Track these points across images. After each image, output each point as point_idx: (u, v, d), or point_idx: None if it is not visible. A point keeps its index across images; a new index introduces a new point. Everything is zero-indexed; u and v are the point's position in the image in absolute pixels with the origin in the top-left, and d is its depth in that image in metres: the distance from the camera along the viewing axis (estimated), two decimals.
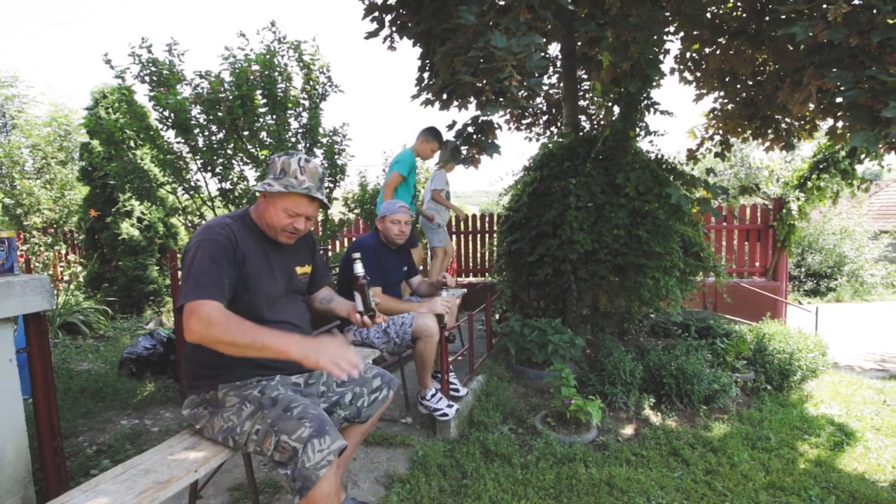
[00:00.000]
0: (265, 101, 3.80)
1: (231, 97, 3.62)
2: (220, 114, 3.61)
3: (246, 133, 3.80)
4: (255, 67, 3.71)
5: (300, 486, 1.44)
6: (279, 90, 3.82)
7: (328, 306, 1.99)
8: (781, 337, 4.38)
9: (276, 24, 3.84)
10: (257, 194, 1.70)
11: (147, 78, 3.62)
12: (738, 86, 4.74)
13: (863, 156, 5.39)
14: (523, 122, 6.29)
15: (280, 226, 1.65)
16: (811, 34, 2.47)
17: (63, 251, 7.58)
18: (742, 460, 2.69)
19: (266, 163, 3.77)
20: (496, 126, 2.88)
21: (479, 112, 2.79)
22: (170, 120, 3.66)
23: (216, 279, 1.48)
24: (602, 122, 5.88)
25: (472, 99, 2.88)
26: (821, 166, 6.38)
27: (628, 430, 3.09)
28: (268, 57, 3.74)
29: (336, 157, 4.25)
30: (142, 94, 3.83)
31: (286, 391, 1.62)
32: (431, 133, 4.19)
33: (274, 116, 3.85)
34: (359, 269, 1.78)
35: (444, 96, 3.51)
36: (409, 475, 2.36)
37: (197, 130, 3.73)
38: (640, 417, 3.27)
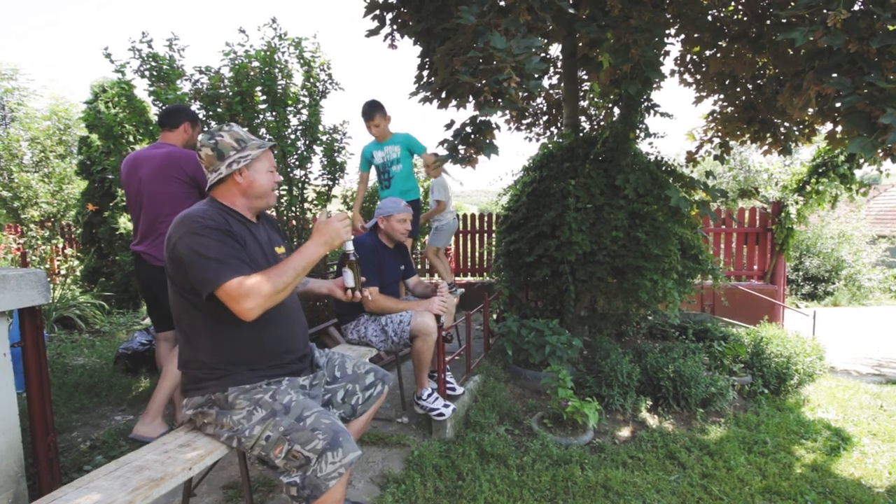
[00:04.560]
0: (265, 97, 3.79)
1: (231, 93, 3.61)
2: (219, 110, 3.60)
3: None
4: (256, 64, 3.70)
5: (308, 495, 1.43)
6: (279, 87, 3.81)
7: (305, 288, 2.03)
8: (779, 341, 4.38)
9: (277, 21, 3.84)
10: (237, 178, 1.65)
11: (147, 73, 3.61)
12: (738, 89, 4.74)
13: (862, 160, 5.40)
14: (523, 122, 6.29)
15: (270, 186, 1.71)
16: (811, 39, 2.47)
17: (60, 245, 7.55)
18: (738, 464, 2.69)
19: None
20: (495, 126, 2.87)
21: (477, 112, 2.78)
22: None
23: (236, 254, 1.50)
24: (602, 124, 5.88)
25: (470, 99, 2.87)
26: (820, 170, 6.40)
27: (625, 433, 3.09)
28: (268, 53, 3.73)
29: (335, 154, 4.25)
30: (141, 88, 3.83)
31: (297, 396, 1.60)
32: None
33: (273, 113, 3.84)
34: (349, 246, 1.79)
35: (443, 95, 3.50)
36: (405, 475, 2.35)
37: None
38: (637, 420, 3.27)
